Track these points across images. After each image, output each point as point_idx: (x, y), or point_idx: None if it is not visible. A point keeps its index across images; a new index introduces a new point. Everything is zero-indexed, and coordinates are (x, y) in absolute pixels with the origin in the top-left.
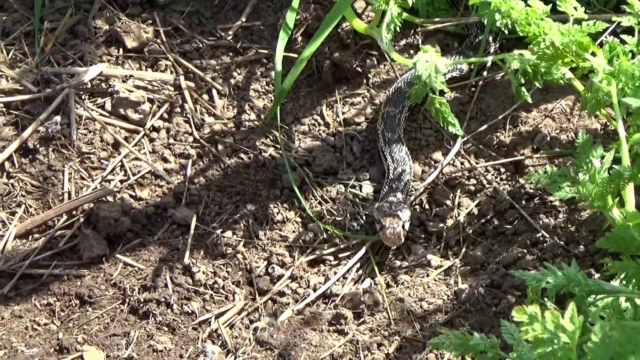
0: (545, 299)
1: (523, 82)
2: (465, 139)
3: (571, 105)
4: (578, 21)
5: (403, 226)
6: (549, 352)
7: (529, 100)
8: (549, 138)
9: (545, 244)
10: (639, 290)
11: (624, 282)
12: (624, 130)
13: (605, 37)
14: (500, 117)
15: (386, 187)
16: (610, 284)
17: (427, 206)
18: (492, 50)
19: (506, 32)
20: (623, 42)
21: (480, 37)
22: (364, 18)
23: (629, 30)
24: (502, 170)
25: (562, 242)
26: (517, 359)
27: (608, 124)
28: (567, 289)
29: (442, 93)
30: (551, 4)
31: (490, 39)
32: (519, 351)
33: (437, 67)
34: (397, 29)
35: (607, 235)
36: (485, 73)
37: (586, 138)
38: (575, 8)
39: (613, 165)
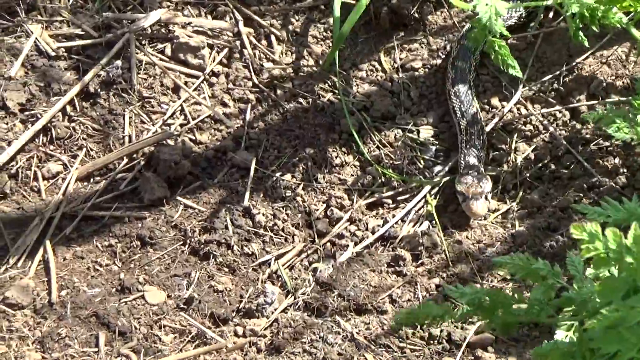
0: None
1: (580, 26)
2: (524, 84)
3: (627, 52)
4: None
5: (486, 197)
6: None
7: (586, 44)
8: (604, 84)
9: (601, 188)
10: None
11: None
12: None
13: None
14: (556, 64)
15: (463, 143)
16: None
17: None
18: None
19: None
20: None
21: None
22: None
23: None
24: (559, 115)
25: (618, 186)
26: (578, 290)
27: None
28: (628, 222)
29: (501, 36)
30: None
31: None
32: (581, 282)
33: (497, 10)
34: None
35: None
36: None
37: None
38: None
39: None
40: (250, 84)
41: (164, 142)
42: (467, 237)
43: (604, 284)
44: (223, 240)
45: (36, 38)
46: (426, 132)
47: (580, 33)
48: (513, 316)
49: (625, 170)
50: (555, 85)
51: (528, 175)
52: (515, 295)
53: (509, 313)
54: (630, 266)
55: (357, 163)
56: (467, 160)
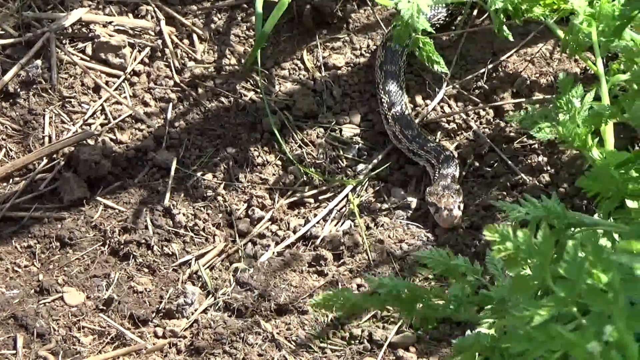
0: None
1: (504, 21)
2: (448, 82)
3: (551, 50)
4: None
5: (459, 207)
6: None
7: (511, 38)
8: (528, 82)
9: (524, 187)
10: (619, 224)
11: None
12: (604, 71)
13: None
14: (480, 63)
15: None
16: (590, 216)
17: None
18: None
19: None
20: None
21: None
22: None
23: None
24: (482, 113)
25: (541, 185)
26: (497, 288)
27: (587, 68)
28: (546, 220)
29: (425, 33)
30: None
31: None
32: (500, 280)
33: (420, 7)
34: None
35: (587, 175)
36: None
37: (567, 78)
38: None
39: (593, 105)
40: (171, 83)
41: (84, 142)
42: (389, 236)
43: (514, 284)
44: (143, 241)
45: None
46: (349, 131)
47: (505, 28)
48: (432, 310)
49: (548, 169)
50: (479, 84)
51: None
52: (434, 290)
53: (428, 307)
54: (538, 264)
55: (279, 162)
56: (440, 180)
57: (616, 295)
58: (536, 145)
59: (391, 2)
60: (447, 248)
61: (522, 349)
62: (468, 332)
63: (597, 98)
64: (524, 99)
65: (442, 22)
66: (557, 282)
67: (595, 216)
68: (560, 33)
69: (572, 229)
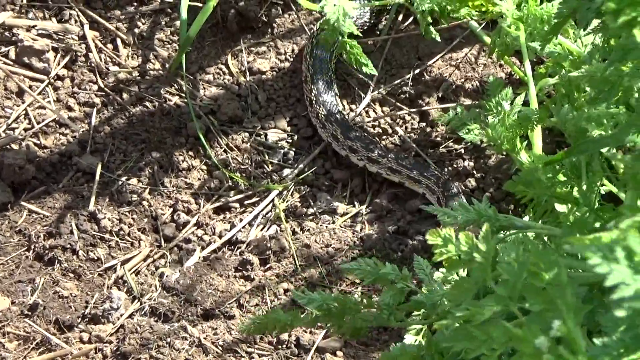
0: None
1: (431, 22)
2: (374, 87)
3: (476, 55)
4: None
5: None
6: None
7: (438, 39)
8: (454, 87)
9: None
10: (548, 226)
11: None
12: (531, 74)
13: None
14: (405, 67)
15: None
16: (521, 219)
17: (331, 154)
18: None
19: None
20: None
21: None
22: None
23: None
24: (408, 118)
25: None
26: (427, 294)
27: (512, 73)
28: (478, 224)
29: (352, 37)
30: None
31: None
32: (430, 286)
33: (346, 10)
34: None
35: (515, 178)
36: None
37: (497, 81)
38: None
39: (522, 109)
40: (95, 87)
41: (8, 146)
42: (315, 241)
43: (456, 285)
44: (68, 246)
45: None
46: (274, 136)
47: (432, 29)
48: (362, 321)
49: (475, 173)
50: (405, 88)
51: (376, 178)
52: (364, 300)
53: (358, 318)
54: (480, 266)
55: (204, 167)
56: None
57: (563, 290)
58: (462, 150)
59: (317, 5)
60: (373, 252)
61: (463, 347)
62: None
63: (525, 102)
64: (449, 104)
65: (365, 26)
66: (498, 282)
67: (525, 219)
68: (486, 38)
69: (504, 232)
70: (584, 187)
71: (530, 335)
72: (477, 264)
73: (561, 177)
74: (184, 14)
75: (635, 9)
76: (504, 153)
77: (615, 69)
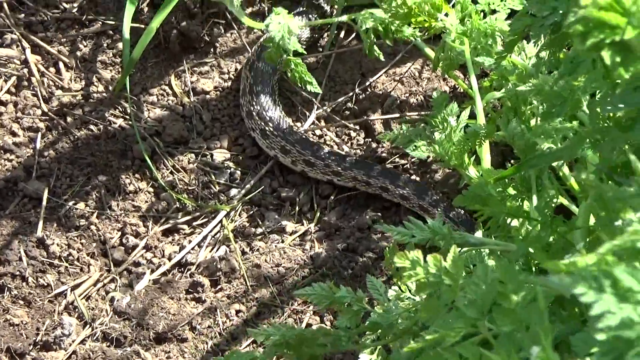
0: None
1: (375, 41)
2: (318, 105)
3: (419, 69)
4: None
5: None
6: (434, 296)
7: (382, 58)
8: (398, 102)
9: (399, 207)
10: (504, 242)
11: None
12: (478, 88)
13: None
14: (349, 84)
15: None
16: (475, 236)
17: (278, 173)
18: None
19: None
20: (475, 1)
21: (320, 1)
22: None
23: None
24: (353, 134)
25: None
26: (384, 314)
27: (456, 86)
28: (432, 242)
29: (297, 54)
30: None
31: (327, 7)
32: (385, 306)
33: (290, 29)
34: None
35: (464, 193)
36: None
37: (441, 97)
38: None
39: (468, 124)
40: (39, 112)
41: None
42: (265, 260)
43: (425, 307)
44: (17, 273)
45: None
46: (220, 156)
47: (375, 48)
48: (320, 348)
49: None
50: (349, 105)
51: (324, 196)
52: (322, 330)
53: (316, 346)
54: (448, 287)
55: (151, 189)
56: None
57: (541, 314)
58: (408, 165)
59: (261, 24)
60: (324, 270)
61: None
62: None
63: (471, 116)
64: (394, 119)
65: (307, 43)
66: (467, 303)
67: (478, 233)
68: (430, 52)
69: (459, 249)
70: (536, 201)
71: (501, 357)
72: (446, 286)
73: (511, 191)
74: (127, 36)
75: (602, 31)
76: (451, 168)
77: (566, 82)
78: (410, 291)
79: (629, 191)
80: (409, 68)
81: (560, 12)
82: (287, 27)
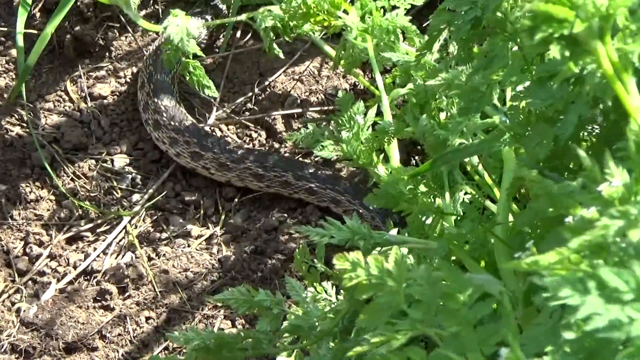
0: (314, 259)
1: (274, 39)
2: (217, 106)
3: (318, 67)
4: None
5: None
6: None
7: (281, 56)
8: (299, 101)
9: (305, 207)
10: (424, 240)
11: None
12: (383, 85)
13: None
14: (248, 84)
15: None
16: (396, 235)
17: (181, 176)
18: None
19: None
20: None
21: (215, 1)
22: None
23: None
24: (255, 135)
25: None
26: (304, 316)
27: (357, 84)
28: (352, 242)
29: (195, 57)
30: None
31: (223, 7)
32: (305, 307)
33: (189, 31)
34: None
35: (375, 192)
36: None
37: (346, 96)
38: None
39: (377, 121)
40: None
41: None
42: (173, 266)
43: (368, 310)
44: None
45: None
46: (121, 161)
47: (275, 46)
48: (241, 352)
49: None
50: (249, 105)
51: (228, 199)
52: (242, 333)
53: (237, 350)
54: (391, 289)
55: (52, 197)
56: None
57: (508, 316)
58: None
59: (157, 27)
60: (233, 274)
61: None
62: None
63: (377, 114)
64: (296, 117)
65: (203, 44)
66: (411, 305)
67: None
68: (330, 50)
69: (379, 248)
70: (448, 198)
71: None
72: (389, 288)
73: (423, 188)
74: (21, 42)
75: (550, 25)
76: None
77: (483, 77)
78: (326, 292)
79: (573, 186)
80: (308, 66)
81: (480, 7)
82: (185, 29)
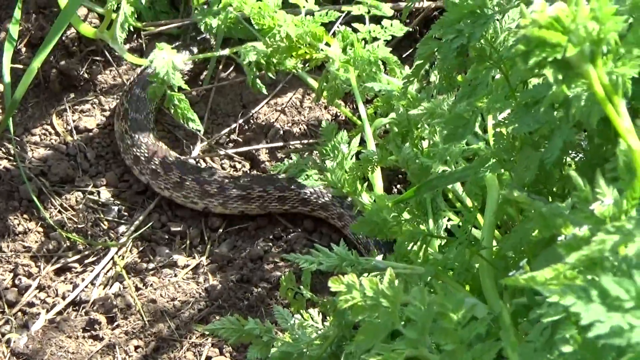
0: (300, 287)
1: (257, 74)
2: (202, 138)
3: (300, 99)
4: (310, 12)
5: None
6: (373, 319)
7: (264, 91)
8: (282, 132)
9: (289, 236)
10: (411, 265)
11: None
12: (365, 115)
13: (337, 27)
14: (231, 116)
15: None
16: (383, 261)
17: (166, 207)
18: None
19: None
20: (355, 30)
21: (204, 35)
22: (87, 24)
23: (360, 19)
24: (239, 166)
25: (306, 232)
26: (294, 343)
27: (339, 114)
28: (340, 268)
29: (180, 90)
30: None
31: (212, 40)
32: (293, 334)
33: (175, 64)
34: (130, 28)
35: (360, 220)
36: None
37: (330, 125)
38: (305, 0)
39: (361, 150)
40: None
41: None
42: (160, 295)
43: (364, 331)
44: None
45: None
46: (107, 193)
47: (258, 81)
48: None
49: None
50: (233, 137)
51: (214, 228)
52: None
53: None
54: (387, 310)
55: (40, 229)
56: None
57: (507, 332)
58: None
59: (143, 60)
60: (220, 303)
61: None
62: None
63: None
64: (279, 148)
65: (186, 77)
66: (407, 325)
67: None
68: (312, 82)
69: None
70: (432, 224)
71: None
72: (384, 309)
73: (406, 215)
74: (7, 78)
75: (544, 49)
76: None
77: (467, 104)
78: (312, 318)
79: (562, 206)
80: (291, 98)
81: (466, 34)
82: (171, 62)
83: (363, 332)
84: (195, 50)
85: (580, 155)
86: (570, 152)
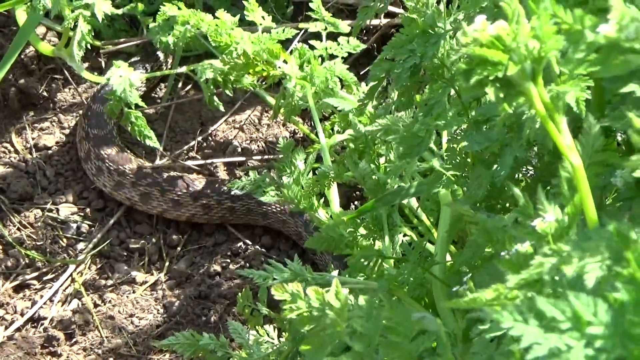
0: (257, 303)
1: (215, 91)
2: (161, 155)
3: (259, 116)
4: (267, 30)
5: None
6: (318, 330)
7: (222, 108)
8: (240, 149)
9: (247, 252)
10: (364, 280)
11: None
12: (322, 132)
13: (295, 45)
14: (190, 133)
15: None
16: (339, 276)
17: (125, 224)
18: (168, 66)
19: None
20: (312, 47)
21: (158, 54)
22: (46, 42)
23: (317, 36)
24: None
25: (263, 249)
26: (248, 358)
27: (297, 131)
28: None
29: (137, 107)
30: (239, 15)
31: (162, 56)
32: (248, 350)
33: (132, 81)
34: (88, 46)
35: (316, 236)
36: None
37: (287, 143)
38: (262, 17)
39: (320, 167)
40: None
41: None
42: (119, 311)
43: (310, 342)
44: None
45: None
46: (66, 210)
47: (215, 98)
48: None
49: (262, 232)
50: (192, 154)
51: (172, 245)
52: None
53: None
54: (333, 322)
55: None
56: None
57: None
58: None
59: (101, 78)
60: (177, 319)
61: None
62: None
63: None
64: (238, 165)
65: (140, 91)
66: (353, 337)
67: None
68: (270, 99)
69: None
70: (388, 240)
71: None
72: (331, 320)
73: (362, 231)
74: None
75: (485, 68)
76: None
77: (423, 123)
78: (268, 334)
79: (505, 220)
80: (249, 115)
81: (418, 54)
82: (128, 80)
83: (309, 343)
84: (150, 65)
85: (531, 171)
86: (521, 168)
